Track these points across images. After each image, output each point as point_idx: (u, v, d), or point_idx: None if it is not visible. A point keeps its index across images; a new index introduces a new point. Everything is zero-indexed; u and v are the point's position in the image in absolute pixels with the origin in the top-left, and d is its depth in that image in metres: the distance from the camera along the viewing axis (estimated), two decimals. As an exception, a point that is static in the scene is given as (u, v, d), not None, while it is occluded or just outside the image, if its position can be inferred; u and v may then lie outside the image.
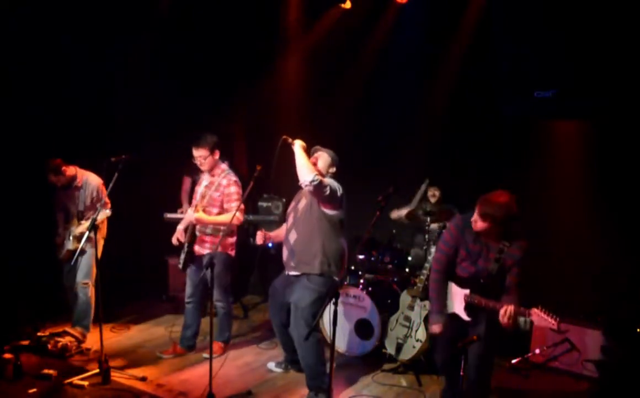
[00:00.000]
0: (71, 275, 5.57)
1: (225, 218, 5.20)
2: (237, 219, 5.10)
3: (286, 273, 4.86)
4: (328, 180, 4.63)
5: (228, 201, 5.25)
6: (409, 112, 6.70)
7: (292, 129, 4.70)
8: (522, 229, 4.01)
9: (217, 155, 5.29)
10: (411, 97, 6.67)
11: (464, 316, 4.11)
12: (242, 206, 5.21)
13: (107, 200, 5.36)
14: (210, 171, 5.34)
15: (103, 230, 5.64)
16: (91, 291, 5.59)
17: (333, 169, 4.77)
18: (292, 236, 4.74)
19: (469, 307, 4.09)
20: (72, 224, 5.61)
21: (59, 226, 5.72)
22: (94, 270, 5.54)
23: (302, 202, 4.81)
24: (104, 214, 5.25)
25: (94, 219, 4.94)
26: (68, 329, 5.52)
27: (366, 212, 6.17)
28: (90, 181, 5.61)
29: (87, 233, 4.93)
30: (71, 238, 5.57)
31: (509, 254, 3.98)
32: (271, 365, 5.29)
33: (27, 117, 5.97)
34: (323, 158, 4.75)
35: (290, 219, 4.85)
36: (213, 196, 5.28)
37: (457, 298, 4.16)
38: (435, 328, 4.20)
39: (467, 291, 4.10)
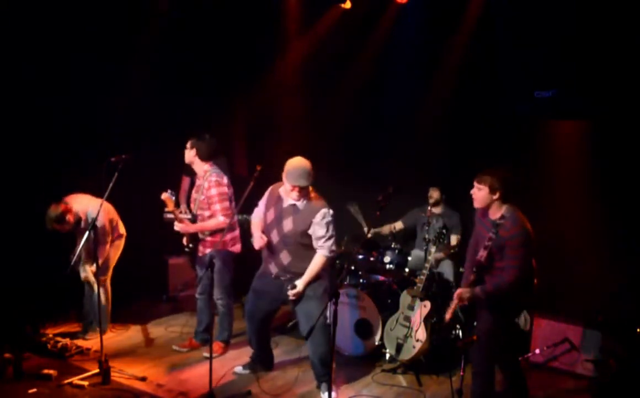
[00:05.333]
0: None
1: (208, 224, 5.26)
2: (223, 223, 5.13)
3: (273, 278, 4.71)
4: (331, 238, 4.51)
5: (210, 203, 5.26)
6: (409, 112, 6.69)
7: (292, 129, 4.70)
8: (518, 216, 4.03)
9: (193, 152, 5.35)
10: (411, 97, 6.66)
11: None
12: (226, 206, 5.23)
13: (107, 238, 5.47)
14: (197, 172, 5.42)
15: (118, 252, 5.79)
16: (107, 285, 5.73)
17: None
18: (285, 258, 4.58)
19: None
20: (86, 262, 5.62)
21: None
22: (111, 265, 5.73)
23: (287, 222, 4.55)
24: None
25: (94, 219, 4.93)
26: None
27: (366, 212, 6.23)
28: (92, 215, 5.11)
29: (85, 236, 4.93)
30: (82, 269, 5.65)
31: (500, 237, 3.97)
32: (238, 369, 5.12)
33: (26, 118, 5.96)
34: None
35: (274, 235, 4.60)
36: (200, 200, 5.32)
37: None
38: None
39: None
